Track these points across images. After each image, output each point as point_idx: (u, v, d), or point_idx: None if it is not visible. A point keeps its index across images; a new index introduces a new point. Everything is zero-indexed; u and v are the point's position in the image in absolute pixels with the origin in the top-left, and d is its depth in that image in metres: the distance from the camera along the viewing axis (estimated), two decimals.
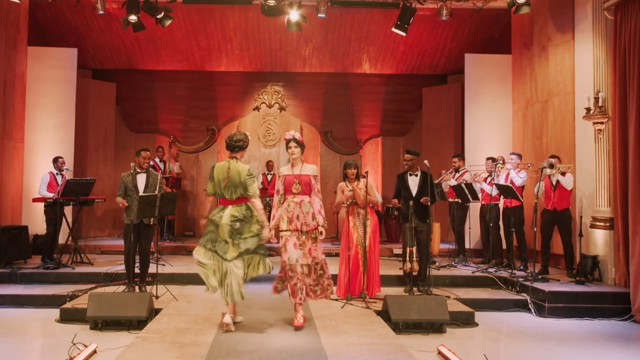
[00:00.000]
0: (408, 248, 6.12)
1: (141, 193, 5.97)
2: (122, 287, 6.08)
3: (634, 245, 6.00)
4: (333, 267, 7.15)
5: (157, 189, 6.08)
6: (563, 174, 6.87)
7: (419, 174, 6.39)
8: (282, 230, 4.95)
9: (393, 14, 8.95)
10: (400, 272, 6.64)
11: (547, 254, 7.13)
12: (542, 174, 6.85)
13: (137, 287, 6.07)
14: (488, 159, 8.05)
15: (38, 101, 9.00)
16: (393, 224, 9.96)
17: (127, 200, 6.02)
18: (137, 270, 6.18)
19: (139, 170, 6.14)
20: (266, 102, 11.37)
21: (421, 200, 6.21)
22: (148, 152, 6.28)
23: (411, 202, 6.17)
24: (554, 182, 6.93)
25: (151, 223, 6.11)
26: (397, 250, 8.55)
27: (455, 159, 8.34)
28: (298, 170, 5.06)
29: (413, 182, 6.36)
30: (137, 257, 6.18)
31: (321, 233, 5.04)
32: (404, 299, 5.36)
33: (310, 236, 4.99)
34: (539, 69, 8.42)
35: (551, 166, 6.76)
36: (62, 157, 7.84)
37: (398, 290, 6.48)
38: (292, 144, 5.04)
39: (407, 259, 6.09)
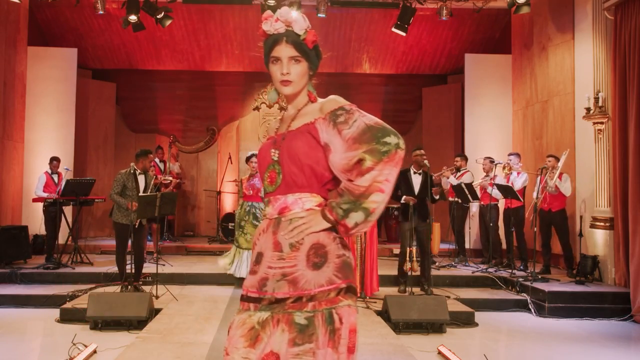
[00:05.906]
0: (408, 248, 6.10)
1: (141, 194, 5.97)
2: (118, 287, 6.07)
3: (634, 245, 6.00)
4: None
5: (150, 188, 6.09)
6: (560, 175, 6.84)
7: (421, 172, 6.35)
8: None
9: (393, 14, 8.96)
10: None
11: (548, 254, 7.13)
12: (546, 176, 6.83)
13: (133, 287, 6.05)
14: (486, 158, 8.01)
15: (38, 101, 9.00)
16: (393, 224, 9.95)
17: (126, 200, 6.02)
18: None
19: (140, 171, 6.15)
20: (266, 102, 11.33)
21: (433, 190, 6.20)
22: (152, 155, 6.34)
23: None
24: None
25: (141, 223, 6.12)
26: (397, 250, 8.51)
27: (458, 159, 8.33)
28: (287, 123, 1.87)
29: (416, 180, 6.29)
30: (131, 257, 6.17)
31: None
32: (404, 299, 5.36)
33: (304, 321, 1.63)
34: (539, 69, 8.42)
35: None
36: (57, 159, 7.80)
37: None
38: (285, 48, 1.85)
39: (408, 258, 6.08)
